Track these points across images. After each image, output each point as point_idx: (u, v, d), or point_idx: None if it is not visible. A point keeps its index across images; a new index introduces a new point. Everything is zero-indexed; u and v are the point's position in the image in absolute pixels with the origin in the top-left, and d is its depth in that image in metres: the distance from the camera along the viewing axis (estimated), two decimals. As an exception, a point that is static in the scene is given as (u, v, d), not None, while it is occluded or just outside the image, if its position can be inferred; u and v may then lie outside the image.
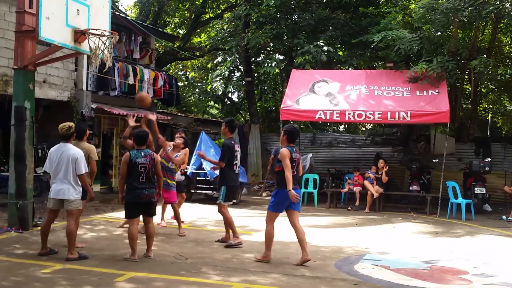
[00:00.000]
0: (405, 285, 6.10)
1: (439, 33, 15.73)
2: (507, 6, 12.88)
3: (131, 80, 15.22)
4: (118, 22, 14.76)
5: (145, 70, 16.17)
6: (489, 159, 14.50)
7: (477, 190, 13.23)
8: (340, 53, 18.80)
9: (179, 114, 23.37)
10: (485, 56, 15.36)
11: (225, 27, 21.18)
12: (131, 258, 6.70)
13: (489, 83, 18.44)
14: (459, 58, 14.57)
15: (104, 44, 8.66)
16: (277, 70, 19.68)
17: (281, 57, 19.96)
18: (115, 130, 16.12)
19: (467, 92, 18.62)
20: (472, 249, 8.66)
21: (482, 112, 21.15)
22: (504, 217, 12.46)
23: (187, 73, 29.90)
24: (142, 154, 6.85)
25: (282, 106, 13.83)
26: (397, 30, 14.10)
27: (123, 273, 6.05)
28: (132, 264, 6.50)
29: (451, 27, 15.48)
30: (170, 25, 26.04)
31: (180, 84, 25.88)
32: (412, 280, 6.36)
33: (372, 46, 16.28)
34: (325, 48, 15.77)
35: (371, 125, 25.11)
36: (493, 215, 13.04)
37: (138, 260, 6.67)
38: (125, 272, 6.09)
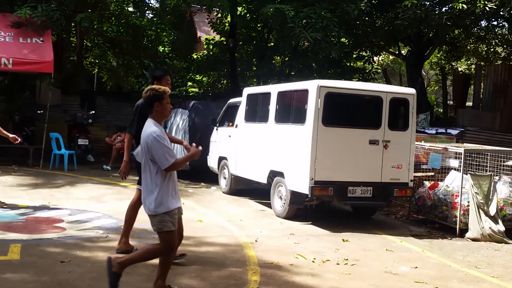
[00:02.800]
0: (-5, 240, 5.84)
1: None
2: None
3: None
4: None
5: None
6: (93, 112, 15.13)
7: (80, 141, 13.70)
8: None
9: None
10: (90, 10, 15.69)
11: None
12: None
13: (95, 38, 19.06)
14: (65, 8, 14.43)
15: None
16: None
17: None
18: None
19: (74, 45, 18.77)
20: (71, 198, 8.94)
21: (89, 66, 21.78)
22: (105, 166, 13.31)
23: None
24: None
25: None
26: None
27: None
28: None
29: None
30: None
31: None
32: (4, 233, 6.15)
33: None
34: None
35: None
36: (95, 165, 13.76)
37: None
38: None
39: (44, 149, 12.53)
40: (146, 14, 20.86)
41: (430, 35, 15.56)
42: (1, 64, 11.96)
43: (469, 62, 23.72)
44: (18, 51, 12.41)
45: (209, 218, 8.04)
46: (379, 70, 24.05)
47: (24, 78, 16.75)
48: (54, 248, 5.73)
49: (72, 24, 16.05)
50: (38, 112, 14.72)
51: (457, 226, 7.86)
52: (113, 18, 19.00)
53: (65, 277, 4.84)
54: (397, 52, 18.82)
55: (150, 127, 4.23)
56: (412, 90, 8.52)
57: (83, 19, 13.65)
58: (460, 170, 7.97)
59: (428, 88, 27.16)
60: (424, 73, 25.40)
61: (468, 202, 7.82)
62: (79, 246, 5.88)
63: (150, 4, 21.32)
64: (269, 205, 8.90)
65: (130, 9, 20.63)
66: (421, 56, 16.83)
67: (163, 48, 22.63)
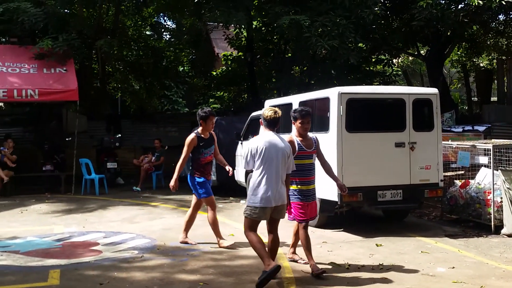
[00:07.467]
0: (35, 266, 6.00)
1: (66, 10, 15.64)
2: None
3: None
4: None
5: None
6: (119, 135, 15.40)
7: (109, 165, 13.96)
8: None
9: None
10: (109, 37, 16.05)
11: None
12: None
13: (116, 63, 19.43)
14: (85, 37, 14.81)
15: None
16: None
17: None
18: None
19: (96, 71, 19.17)
20: (104, 221, 9.10)
21: (112, 91, 22.15)
22: (135, 187, 13.50)
23: None
24: None
25: None
26: (19, 2, 13.31)
27: None
28: None
29: (76, 5, 15.58)
30: None
31: None
32: (43, 260, 6.29)
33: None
34: None
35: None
36: (125, 187, 13.97)
37: None
38: None
39: (74, 175, 12.80)
40: (164, 36, 21.19)
41: (448, 33, 15.43)
42: (27, 96, 12.30)
43: (490, 57, 23.38)
44: (43, 82, 12.76)
45: (240, 231, 8.04)
46: (400, 72, 23.87)
47: (51, 107, 17.21)
48: (92, 271, 5.84)
49: (93, 51, 16.41)
50: (67, 139, 15.05)
51: (492, 223, 7.74)
52: (132, 43, 19.35)
53: (105, 298, 4.93)
54: (416, 53, 18.70)
55: None
56: (434, 90, 8.47)
57: (103, 45, 13.98)
58: (490, 166, 7.87)
59: (451, 86, 26.84)
60: (445, 72, 25.12)
61: (501, 198, 7.70)
62: (116, 267, 5.98)
63: (167, 26, 21.64)
64: (299, 215, 8.88)
65: (148, 32, 20.99)
66: (440, 55, 16.68)
67: (182, 68, 22.92)
